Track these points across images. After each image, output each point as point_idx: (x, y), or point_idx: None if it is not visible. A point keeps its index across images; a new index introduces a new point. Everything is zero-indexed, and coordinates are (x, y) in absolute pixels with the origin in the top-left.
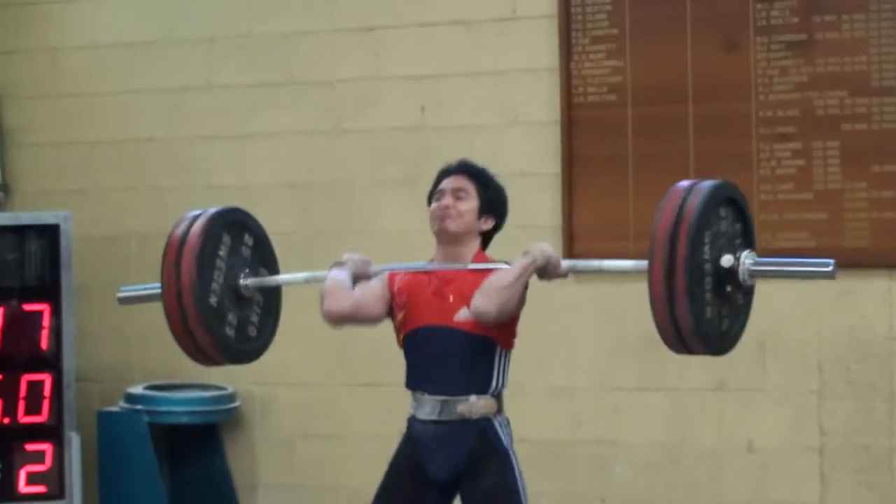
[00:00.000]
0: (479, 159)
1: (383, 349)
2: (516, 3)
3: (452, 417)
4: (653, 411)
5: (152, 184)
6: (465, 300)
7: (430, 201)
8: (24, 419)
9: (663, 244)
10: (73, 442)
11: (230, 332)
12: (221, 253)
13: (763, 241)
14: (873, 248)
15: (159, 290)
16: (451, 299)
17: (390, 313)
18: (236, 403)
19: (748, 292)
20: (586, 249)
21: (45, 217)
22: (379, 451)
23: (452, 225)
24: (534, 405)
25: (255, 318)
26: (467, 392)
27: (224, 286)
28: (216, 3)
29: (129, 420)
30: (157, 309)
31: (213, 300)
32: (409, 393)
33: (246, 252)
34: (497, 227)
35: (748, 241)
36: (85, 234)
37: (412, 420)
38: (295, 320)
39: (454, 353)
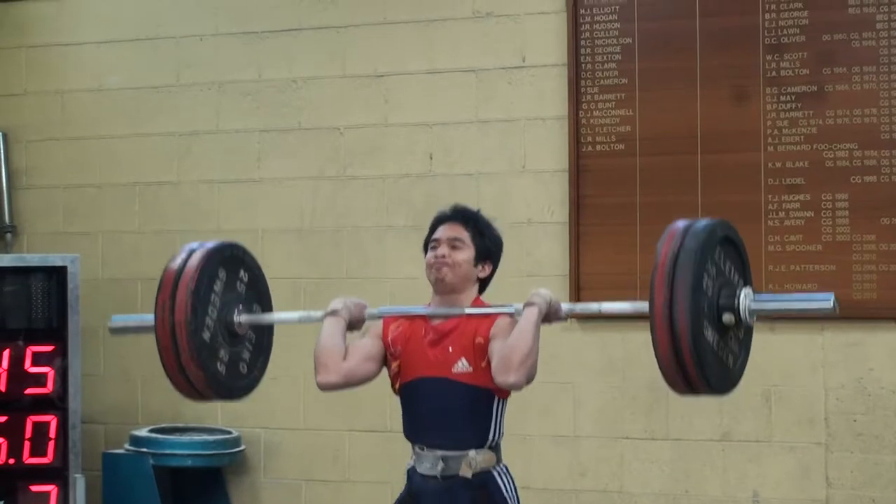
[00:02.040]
0: (487, 207)
1: (389, 395)
2: (525, 52)
3: (453, 473)
4: (658, 461)
5: (160, 227)
6: (464, 351)
7: (426, 249)
8: (30, 460)
9: (663, 285)
10: (79, 483)
11: (221, 367)
12: (216, 288)
13: (770, 291)
14: (881, 299)
15: (152, 323)
16: (451, 350)
17: (385, 362)
18: (241, 447)
19: (749, 330)
20: (593, 298)
21: (53, 259)
22: (383, 496)
23: (449, 275)
24: (538, 453)
25: (246, 355)
26: (466, 447)
27: (218, 322)
28: (225, 48)
29: (134, 462)
30: None
31: (206, 335)
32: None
33: (241, 288)
34: (494, 272)
35: (746, 279)
36: (92, 277)
37: (412, 472)
38: (300, 365)
39: (453, 405)
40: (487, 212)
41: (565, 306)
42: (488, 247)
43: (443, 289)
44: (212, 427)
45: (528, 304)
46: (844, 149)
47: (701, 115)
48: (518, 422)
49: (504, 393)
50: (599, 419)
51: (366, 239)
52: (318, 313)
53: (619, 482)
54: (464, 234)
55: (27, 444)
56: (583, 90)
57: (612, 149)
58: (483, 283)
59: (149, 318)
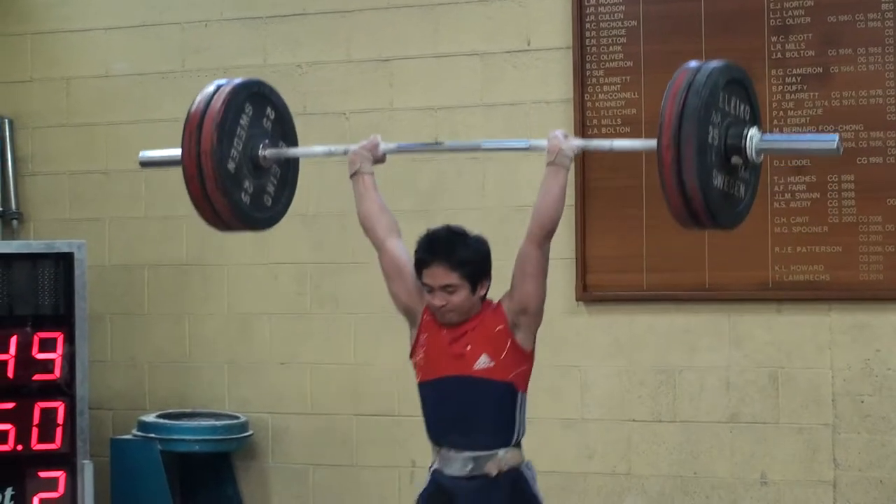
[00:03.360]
0: (493, 191)
1: (396, 379)
2: (531, 35)
3: (483, 473)
4: (666, 443)
5: (166, 213)
6: (485, 345)
7: (418, 273)
8: (38, 446)
9: (672, 121)
10: (86, 469)
11: (245, 198)
12: (243, 122)
13: (776, 273)
14: (888, 281)
15: (178, 156)
16: (469, 348)
17: (407, 313)
18: (249, 432)
19: (755, 168)
20: (600, 282)
21: (60, 245)
22: (391, 480)
23: (455, 316)
24: (546, 436)
25: (270, 189)
26: (494, 446)
27: (243, 154)
28: (229, 33)
29: (141, 448)
30: (170, 337)
31: (231, 165)
32: (427, 438)
33: (267, 124)
34: (490, 277)
35: (755, 120)
36: (99, 263)
37: (439, 475)
38: (308, 350)
39: (477, 403)
40: (495, 196)
41: (578, 143)
42: (479, 270)
43: (455, 324)
44: (219, 412)
45: (554, 164)
46: (850, 130)
47: None
48: (531, 406)
49: (525, 384)
50: (607, 402)
51: None
52: (341, 148)
53: (627, 464)
54: (452, 278)
55: (35, 431)
56: (588, 73)
57: (618, 132)
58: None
59: (175, 152)
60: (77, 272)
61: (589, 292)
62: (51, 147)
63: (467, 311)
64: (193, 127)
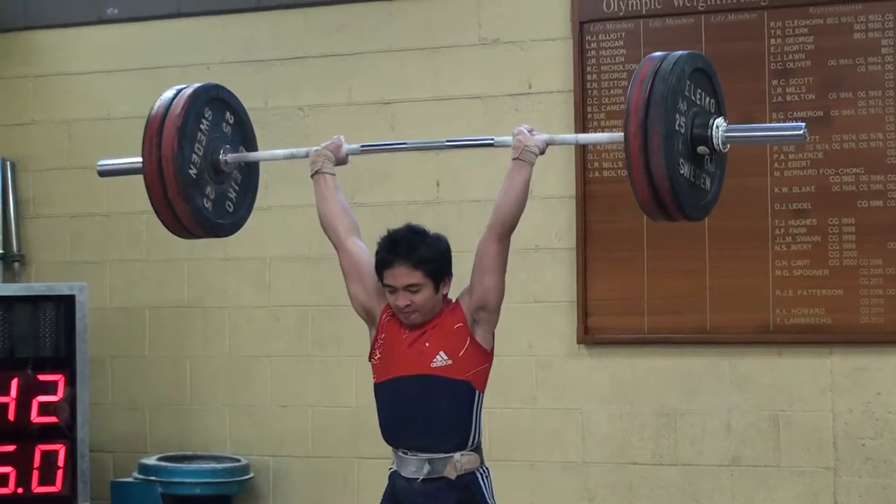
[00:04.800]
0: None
1: None
2: (532, 78)
3: (438, 475)
4: (667, 487)
5: (167, 256)
6: (443, 343)
7: (379, 275)
8: (38, 489)
9: (639, 109)
10: None
11: (207, 204)
12: (203, 126)
13: (777, 316)
14: (889, 324)
15: (139, 163)
16: (427, 345)
17: (366, 315)
18: (250, 475)
19: (722, 159)
20: (601, 324)
21: (61, 288)
22: None
23: (419, 317)
24: (547, 480)
25: (232, 194)
26: (451, 449)
27: (204, 159)
28: (232, 75)
29: (143, 491)
30: (171, 380)
31: (192, 171)
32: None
33: (227, 129)
34: (452, 274)
35: (719, 108)
36: (100, 305)
37: (395, 476)
38: (309, 393)
39: (433, 402)
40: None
41: (544, 137)
42: (441, 267)
43: (418, 325)
44: (220, 455)
45: (519, 160)
46: (851, 173)
47: None
48: (526, 448)
49: (481, 383)
50: (608, 445)
51: None
52: (303, 150)
53: None
54: (415, 276)
55: (35, 473)
56: (589, 116)
57: (619, 175)
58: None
59: (135, 159)
60: (78, 315)
61: (590, 335)
62: (52, 189)
63: (430, 311)
64: (154, 132)
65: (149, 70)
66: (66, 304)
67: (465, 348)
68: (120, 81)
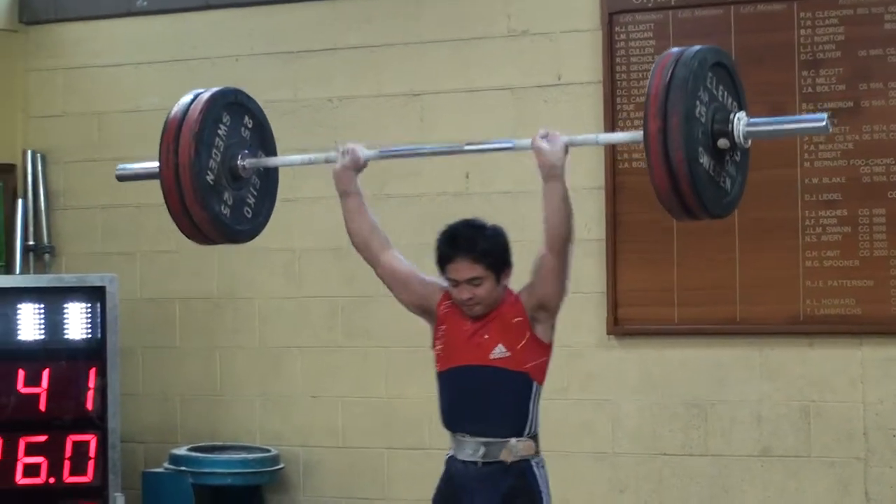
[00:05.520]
0: (525, 226)
1: (427, 413)
2: (561, 70)
3: (493, 459)
4: (697, 477)
5: (197, 247)
6: (502, 336)
7: (438, 267)
8: (70, 479)
9: (656, 115)
10: (119, 502)
11: (225, 210)
12: (220, 132)
13: (808, 307)
14: None
15: (157, 169)
16: (486, 337)
17: (423, 313)
18: (280, 465)
19: (744, 160)
20: (631, 315)
21: (91, 279)
22: None
23: (482, 308)
24: (578, 470)
25: (251, 200)
26: (507, 435)
27: (221, 165)
28: (260, 68)
29: (173, 481)
30: (201, 371)
31: (209, 177)
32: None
33: (245, 133)
34: (511, 261)
35: (740, 103)
36: (130, 297)
37: (452, 460)
38: (339, 384)
39: (492, 392)
40: (526, 231)
41: (564, 139)
42: (501, 259)
43: (480, 317)
44: (250, 445)
45: (551, 177)
46: (881, 164)
47: None
48: (557, 439)
49: (541, 376)
50: (638, 436)
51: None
52: (321, 156)
53: (658, 498)
54: (477, 270)
55: (67, 464)
56: (618, 108)
57: None
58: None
59: (153, 165)
60: (109, 305)
61: (620, 326)
62: (82, 181)
63: (493, 302)
64: (171, 138)
65: (178, 62)
66: (96, 296)
67: (525, 342)
68: (149, 74)
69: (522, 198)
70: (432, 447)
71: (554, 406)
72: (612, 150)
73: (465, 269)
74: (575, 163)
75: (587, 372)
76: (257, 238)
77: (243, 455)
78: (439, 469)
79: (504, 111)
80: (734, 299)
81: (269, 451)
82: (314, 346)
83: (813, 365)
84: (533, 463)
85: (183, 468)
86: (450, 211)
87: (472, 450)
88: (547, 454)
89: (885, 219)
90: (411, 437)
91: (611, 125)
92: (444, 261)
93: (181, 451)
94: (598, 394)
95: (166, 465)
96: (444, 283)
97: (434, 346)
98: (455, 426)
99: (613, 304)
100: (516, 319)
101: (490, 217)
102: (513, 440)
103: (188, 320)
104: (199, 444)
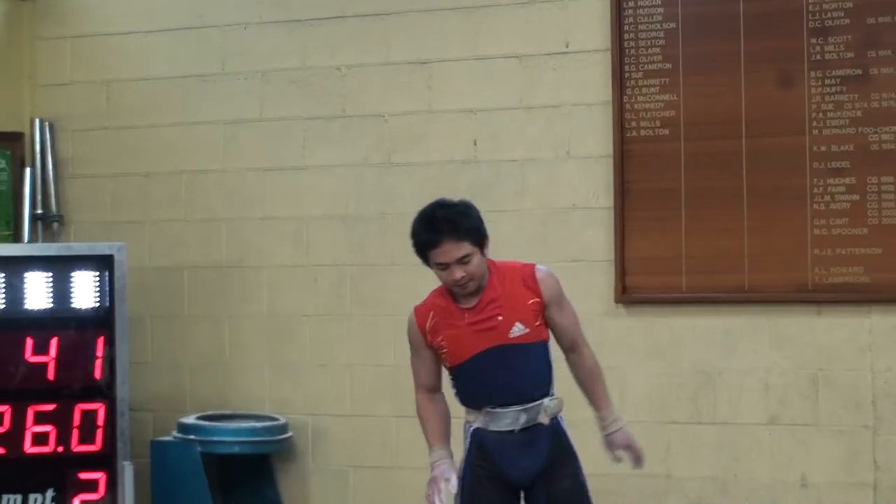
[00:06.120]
0: (532, 193)
1: None
2: (570, 37)
3: (532, 424)
4: (705, 446)
5: (206, 215)
6: (517, 315)
7: (421, 258)
8: (78, 448)
9: None
10: (127, 471)
11: None
12: None
13: (816, 275)
14: None
15: None
16: (500, 319)
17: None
18: (288, 434)
19: None
20: (639, 283)
21: (99, 248)
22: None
23: (475, 285)
24: (586, 438)
25: None
26: (540, 398)
27: None
28: (269, 36)
29: (181, 450)
30: (210, 339)
31: None
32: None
33: None
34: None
35: None
36: (139, 265)
37: (480, 432)
38: (347, 352)
39: (520, 365)
40: (534, 199)
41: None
42: (480, 232)
43: (474, 300)
44: (259, 414)
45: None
46: (890, 132)
47: (745, 100)
48: (566, 407)
49: (547, 336)
50: (646, 404)
51: (410, 226)
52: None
53: (666, 467)
54: (465, 247)
55: (76, 432)
56: (627, 75)
57: (657, 134)
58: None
59: None
60: (117, 274)
61: (628, 294)
62: (91, 150)
63: (482, 276)
64: None
65: (187, 30)
66: (104, 264)
67: (540, 321)
68: (158, 42)
69: (530, 165)
70: None
71: (561, 375)
72: (620, 119)
73: (453, 249)
74: (583, 130)
75: (595, 340)
76: (265, 207)
77: (252, 423)
78: None
79: (512, 79)
80: (742, 267)
81: (277, 419)
82: (323, 314)
83: (821, 333)
84: (559, 419)
85: (191, 437)
86: (457, 179)
87: (511, 419)
88: None
89: (893, 186)
90: None
91: (619, 93)
92: (429, 247)
93: (190, 419)
94: (606, 362)
95: (175, 433)
96: (412, 320)
97: (441, 358)
98: (484, 403)
99: (622, 273)
100: (532, 301)
101: (498, 184)
102: (546, 400)
103: (197, 289)
104: (208, 413)
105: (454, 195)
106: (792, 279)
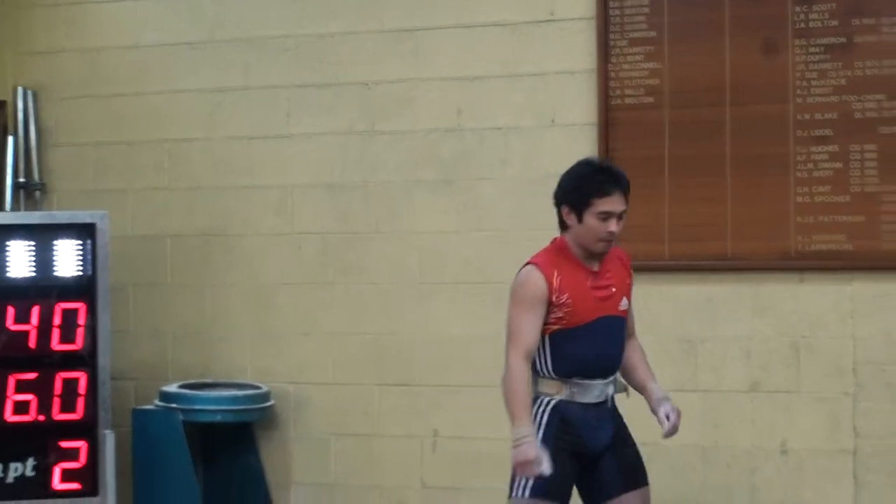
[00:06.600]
0: (516, 161)
1: (418, 349)
2: (555, 6)
3: (613, 394)
4: (687, 413)
5: (190, 184)
6: (623, 290)
7: (583, 206)
8: (60, 416)
9: None
10: (108, 439)
11: None
12: None
13: (799, 243)
14: None
15: None
16: (614, 290)
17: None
18: (270, 402)
19: None
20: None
21: (82, 216)
22: (413, 449)
23: (609, 247)
24: None
25: None
26: (615, 373)
27: None
28: (257, 4)
29: (163, 418)
30: (193, 308)
31: None
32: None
33: None
34: None
35: None
36: (121, 234)
37: (565, 405)
38: (329, 320)
39: (619, 340)
40: (518, 167)
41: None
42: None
43: (596, 265)
44: (241, 382)
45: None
46: (873, 100)
47: (730, 68)
48: None
49: None
50: None
51: (395, 194)
52: None
53: (648, 434)
54: (625, 204)
55: (57, 401)
56: (612, 43)
57: (641, 102)
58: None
59: None
60: (99, 242)
61: None
62: (75, 118)
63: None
64: None
65: None
66: (87, 233)
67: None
68: (148, 9)
69: (514, 133)
70: (423, 383)
71: None
72: (605, 86)
73: (620, 202)
74: (568, 99)
75: None
76: (249, 175)
77: (234, 392)
78: (429, 405)
79: (497, 47)
80: (725, 235)
81: (259, 387)
82: (306, 282)
83: (803, 300)
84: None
85: (173, 405)
86: (442, 147)
87: (599, 391)
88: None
89: (876, 154)
90: (402, 373)
91: (604, 61)
92: (601, 193)
93: (171, 388)
94: None
95: (157, 402)
96: (538, 276)
97: (552, 320)
98: (579, 372)
99: None
100: (628, 281)
101: (482, 152)
102: (617, 375)
103: (179, 257)
104: (190, 381)
105: (438, 163)
106: (774, 247)
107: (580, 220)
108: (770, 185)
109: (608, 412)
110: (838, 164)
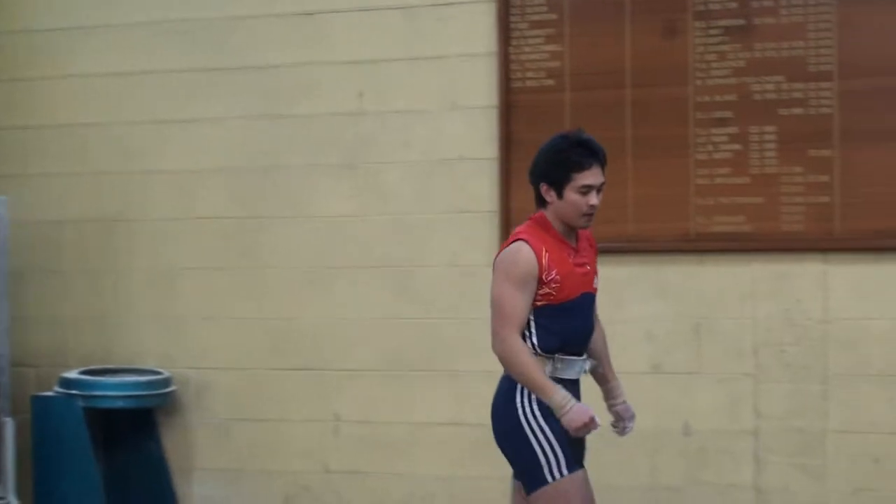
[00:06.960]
0: (418, 145)
1: (320, 334)
2: None
3: (585, 371)
4: (588, 394)
5: (90, 169)
6: (595, 270)
7: (564, 180)
8: None
9: None
10: (8, 427)
11: None
12: None
13: (699, 225)
14: (809, 231)
15: None
16: (589, 268)
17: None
18: (172, 388)
19: None
20: None
21: None
22: (315, 434)
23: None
24: (470, 388)
25: None
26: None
27: None
28: None
29: (63, 405)
30: (93, 293)
31: None
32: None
33: None
34: None
35: None
36: (21, 219)
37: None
38: (232, 306)
39: (593, 317)
40: (419, 150)
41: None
42: None
43: (573, 246)
44: (142, 368)
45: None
46: (772, 82)
47: (630, 50)
48: (448, 357)
49: None
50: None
51: (297, 178)
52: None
53: None
54: (603, 176)
55: None
56: (512, 26)
57: (542, 84)
58: None
59: None
60: None
61: None
62: None
63: None
64: None
65: None
66: None
67: None
68: None
69: (414, 116)
70: (325, 368)
71: (446, 325)
72: (506, 69)
73: (599, 175)
74: (469, 81)
75: (480, 291)
76: (150, 160)
77: (135, 378)
78: (332, 390)
79: (397, 30)
80: (626, 217)
81: (160, 373)
82: (207, 266)
83: (703, 282)
84: None
85: (74, 391)
86: (344, 130)
87: (579, 367)
88: (437, 372)
89: (775, 136)
90: (304, 357)
91: (504, 44)
92: (581, 167)
93: (72, 374)
94: (488, 313)
95: (57, 388)
96: (528, 253)
97: (539, 296)
98: (562, 348)
99: (506, 223)
100: (595, 260)
101: (384, 136)
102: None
103: (80, 243)
104: (91, 368)
105: (340, 147)
106: (675, 229)
107: (560, 195)
108: (670, 166)
109: (578, 391)
110: (738, 146)
